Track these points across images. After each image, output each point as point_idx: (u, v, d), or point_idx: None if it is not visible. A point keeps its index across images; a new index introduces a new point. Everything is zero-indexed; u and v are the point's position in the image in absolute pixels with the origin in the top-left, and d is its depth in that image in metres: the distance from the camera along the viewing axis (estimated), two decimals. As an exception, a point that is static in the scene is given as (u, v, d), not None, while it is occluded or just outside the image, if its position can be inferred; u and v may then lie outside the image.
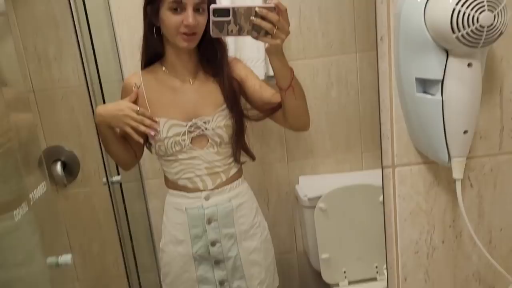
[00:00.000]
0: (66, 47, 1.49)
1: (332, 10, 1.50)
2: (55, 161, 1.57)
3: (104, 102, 1.34)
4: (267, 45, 1.04)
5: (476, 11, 0.67)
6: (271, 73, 1.47)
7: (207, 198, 1.28)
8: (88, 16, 1.30)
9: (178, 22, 1.16)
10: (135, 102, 1.25)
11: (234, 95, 1.26)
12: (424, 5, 0.74)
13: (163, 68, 1.27)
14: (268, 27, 0.97)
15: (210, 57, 1.25)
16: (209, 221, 1.28)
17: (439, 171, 0.88)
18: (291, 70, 1.14)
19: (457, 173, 0.81)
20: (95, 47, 1.33)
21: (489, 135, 0.86)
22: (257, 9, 0.95)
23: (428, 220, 0.92)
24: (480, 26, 0.68)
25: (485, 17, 0.67)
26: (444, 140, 0.78)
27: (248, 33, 0.96)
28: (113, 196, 1.37)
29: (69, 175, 1.59)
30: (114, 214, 1.37)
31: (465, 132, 0.78)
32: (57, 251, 0.95)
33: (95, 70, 1.32)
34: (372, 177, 1.63)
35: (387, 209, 0.91)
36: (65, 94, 1.53)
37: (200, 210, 1.27)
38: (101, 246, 1.63)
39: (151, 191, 1.60)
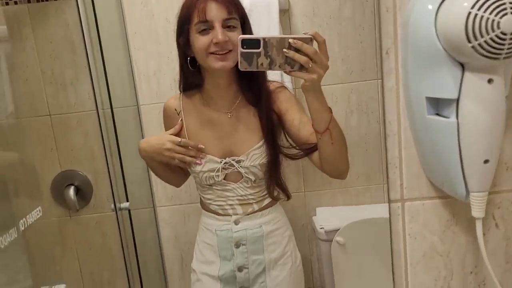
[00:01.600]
0: (83, 71, 1.49)
1: (352, 35, 1.45)
2: (69, 185, 1.56)
3: (115, 128, 1.32)
4: (302, 81, 0.95)
5: (496, 14, 0.56)
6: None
7: (236, 222, 1.23)
8: (103, 41, 1.29)
9: (207, 42, 1.10)
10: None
11: (273, 131, 1.19)
12: (436, 11, 0.63)
13: (202, 97, 1.22)
14: (303, 60, 0.87)
15: (250, 84, 1.18)
16: (238, 245, 1.23)
17: (457, 206, 0.78)
18: (330, 111, 1.03)
19: (478, 211, 0.70)
20: (110, 72, 1.32)
21: (518, 165, 0.76)
22: (291, 40, 0.86)
23: (445, 264, 0.82)
24: (502, 33, 0.56)
25: (508, 22, 0.55)
26: (461, 171, 0.67)
27: (281, 67, 0.87)
28: (121, 223, 1.33)
29: (82, 200, 1.58)
30: (121, 242, 1.33)
31: (486, 161, 0.67)
32: (51, 279, 0.92)
33: (107, 95, 1.30)
34: (395, 210, 1.56)
35: (396, 250, 0.81)
36: (80, 119, 1.53)
37: (229, 233, 1.23)
38: (111, 274, 1.59)
39: (163, 218, 1.56)
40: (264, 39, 0.85)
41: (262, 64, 0.86)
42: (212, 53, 1.10)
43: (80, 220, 1.58)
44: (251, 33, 1.15)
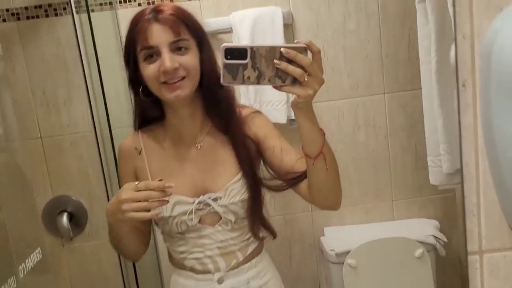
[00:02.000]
0: (76, 91, 1.42)
1: (358, 49, 1.41)
2: (61, 212, 1.47)
3: (113, 149, 1.24)
4: (294, 98, 0.82)
5: None
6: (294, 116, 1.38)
7: (220, 281, 1.05)
8: (99, 58, 1.22)
9: (155, 70, 0.95)
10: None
11: (251, 161, 1.04)
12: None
13: (164, 130, 1.07)
14: (297, 73, 0.76)
15: (218, 110, 1.04)
16: None
17: (545, 258, 0.71)
18: (322, 133, 0.91)
19: None
20: (106, 91, 1.25)
21: None
22: (283, 49, 0.75)
23: (530, 325, 0.74)
24: None
25: None
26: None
27: (270, 81, 0.76)
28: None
29: (76, 227, 1.49)
30: (121, 270, 1.24)
31: None
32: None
33: (105, 115, 1.23)
34: (405, 227, 1.51)
35: (475, 308, 0.72)
36: (74, 141, 1.45)
37: None
38: (108, 305, 1.50)
39: (163, 242, 1.48)
40: (251, 48, 0.74)
41: (248, 78, 0.75)
42: (164, 82, 0.96)
43: (74, 248, 1.49)
44: (210, 53, 1.01)
